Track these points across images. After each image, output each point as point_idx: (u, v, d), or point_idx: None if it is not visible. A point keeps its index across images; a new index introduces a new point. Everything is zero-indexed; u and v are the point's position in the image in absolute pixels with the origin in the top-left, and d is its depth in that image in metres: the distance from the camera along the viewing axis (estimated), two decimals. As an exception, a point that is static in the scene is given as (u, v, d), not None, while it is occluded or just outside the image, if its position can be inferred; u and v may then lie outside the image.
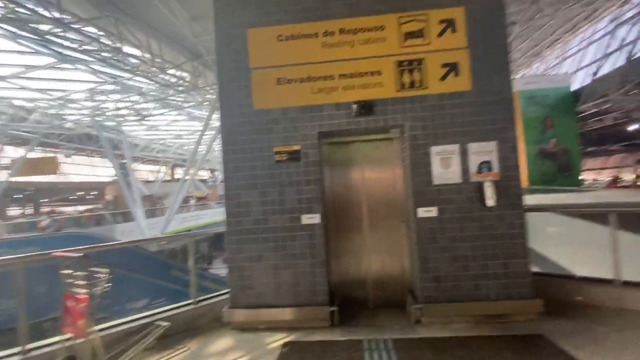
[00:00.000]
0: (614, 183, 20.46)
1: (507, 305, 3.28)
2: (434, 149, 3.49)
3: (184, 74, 15.47)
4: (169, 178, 39.27)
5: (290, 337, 3.26)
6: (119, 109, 18.39)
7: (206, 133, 17.27)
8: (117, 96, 17.83)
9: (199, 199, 36.45)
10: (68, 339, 2.76)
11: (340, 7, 3.63)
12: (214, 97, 15.97)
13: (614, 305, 3.43)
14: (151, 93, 17.60)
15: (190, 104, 19.66)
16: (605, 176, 24.68)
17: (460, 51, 3.49)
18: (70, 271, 2.74)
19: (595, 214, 4.82)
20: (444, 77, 3.51)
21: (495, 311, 3.29)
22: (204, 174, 45.17)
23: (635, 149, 22.59)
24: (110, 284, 2.74)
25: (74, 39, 10.11)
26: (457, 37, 3.50)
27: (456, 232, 3.40)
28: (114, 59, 12.00)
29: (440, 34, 3.52)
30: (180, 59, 13.22)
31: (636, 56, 13.08)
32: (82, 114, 18.84)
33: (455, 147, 3.48)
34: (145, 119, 20.48)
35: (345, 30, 3.61)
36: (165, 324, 3.30)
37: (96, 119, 18.76)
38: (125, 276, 7.72)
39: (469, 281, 3.36)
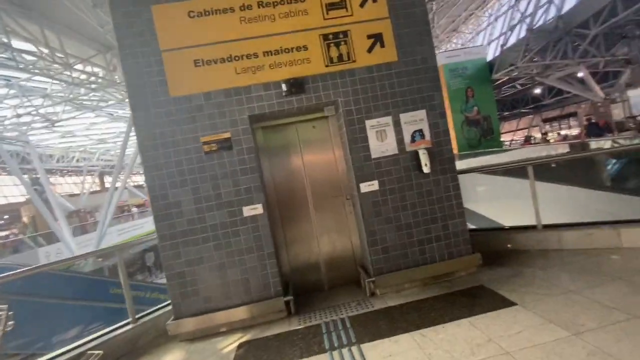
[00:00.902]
0: (528, 141, 23.28)
1: (450, 264, 3.47)
2: (369, 123, 3.46)
3: (96, 69, 13.68)
4: (97, 188, 35.33)
5: (246, 337, 3.08)
6: (19, 115, 15.71)
7: (132, 133, 15.64)
8: (15, 101, 15.22)
9: (137, 206, 33.49)
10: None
11: (255, -22, 3.34)
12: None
13: (538, 247, 3.84)
14: (58, 94, 15.33)
15: (109, 103, 17.59)
16: (520, 136, 27.97)
17: (383, 21, 3.45)
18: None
19: (515, 170, 5.34)
20: (370, 49, 3.46)
21: (441, 271, 3.46)
22: (139, 179, 41.45)
23: (540, 110, 25.86)
24: (12, 322, 2.26)
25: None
26: (379, 7, 3.45)
27: (398, 202, 3.46)
28: (2, 57, 10.10)
29: (362, 4, 3.44)
30: (88, 52, 11.59)
31: (535, 27, 14.68)
32: (-29, 126, 15.77)
33: (388, 119, 3.49)
34: (56, 124, 17.83)
35: (263, 3, 3.34)
36: (98, 352, 2.89)
37: (-9, 129, 15.84)
38: (51, 305, 6.73)
39: (415, 247, 3.47)
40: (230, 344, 3.00)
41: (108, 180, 39.26)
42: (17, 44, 9.55)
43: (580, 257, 3.40)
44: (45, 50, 10.12)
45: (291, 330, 3.03)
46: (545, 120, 27.65)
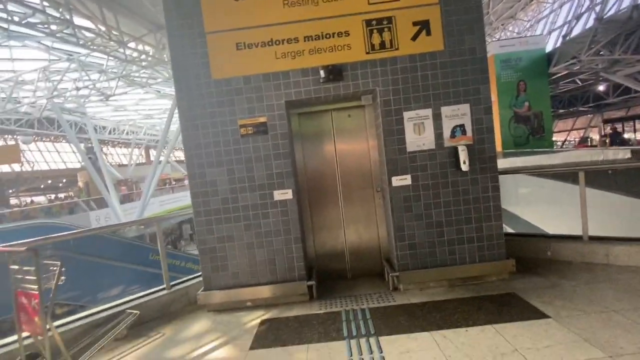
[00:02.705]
0: (583, 143, 21.31)
1: (481, 267, 3.33)
2: (407, 115, 3.34)
3: (147, 48, 14.40)
4: (143, 161, 37.82)
5: (268, 315, 3.21)
6: (78, 89, 17.06)
7: (176, 111, 16.45)
8: (75, 75, 16.51)
9: (177, 180, 35.52)
10: (27, 337, 2.58)
11: (301, -40, 3.28)
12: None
13: (582, 260, 3.56)
14: (113, 70, 16.40)
15: (157, 80, 18.53)
16: (575, 137, 25.69)
17: (431, 7, 3.26)
18: (18, 266, 2.51)
19: (565, 174, 4.92)
20: (415, 37, 3.30)
21: (470, 274, 3.34)
22: (181, 155, 43.74)
23: (602, 109, 23.43)
24: (63, 277, 2.53)
25: (16, 12, 9.05)
26: (428, -8, 3.26)
27: (430, 198, 3.35)
28: (65, 33, 10.91)
29: (410, -12, 3.27)
30: (141, 30, 12.19)
31: (606, 16, 13.14)
32: (38, 96, 17.39)
33: (428, 112, 3.35)
34: (110, 99, 19.17)
35: (308, -14, 3.29)
36: (135, 312, 3.16)
37: (55, 100, 17.36)
38: (98, 264, 7.44)
39: (444, 246, 3.36)
40: (253, 319, 3.15)
41: (153, 153, 41.91)
42: (78, 20, 10.25)
43: (629, 275, 3.11)
44: (103, 28, 10.77)
45: (311, 314, 3.11)
46: (607, 121, 25.02)
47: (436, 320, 2.73)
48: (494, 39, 22.90)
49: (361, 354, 2.39)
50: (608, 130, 15.06)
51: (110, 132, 31.19)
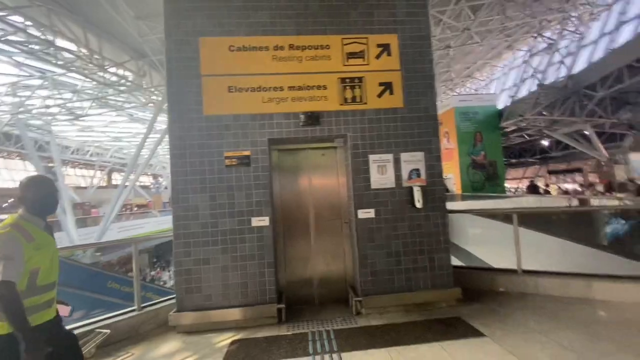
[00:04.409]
0: (533, 190, 23.51)
1: (433, 294, 3.78)
2: (372, 157, 3.91)
3: (127, 73, 14.61)
4: (104, 184, 36.05)
5: (239, 336, 3.38)
6: (48, 107, 16.62)
7: (150, 136, 16.37)
8: (45, 92, 16.14)
9: (139, 206, 33.99)
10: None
11: (290, 24, 3.92)
12: (160, 98, 15.26)
13: (518, 290, 4.12)
14: (87, 91, 16.26)
15: (132, 105, 18.52)
16: (525, 184, 28.22)
17: (394, 72, 3.98)
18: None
19: (508, 216, 5.68)
20: (380, 95, 3.96)
21: (423, 300, 3.76)
22: (146, 180, 42.28)
23: (547, 161, 26.28)
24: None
25: (-4, 28, 9.10)
26: (392, 60, 3.99)
27: (390, 230, 3.84)
28: (44, 52, 10.96)
29: (378, 56, 3.98)
30: (123, 57, 12.50)
31: (545, 83, 15.40)
32: (2, 110, 16.66)
33: (389, 156, 3.93)
34: (79, 119, 18.73)
35: (294, 46, 3.91)
36: (105, 331, 3.21)
37: (19, 116, 16.69)
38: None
39: (402, 274, 3.80)
40: (224, 340, 3.31)
41: (116, 177, 40.11)
42: (60, 42, 10.39)
43: (552, 303, 3.69)
44: (85, 51, 10.96)
45: (280, 335, 3.33)
46: (551, 172, 27.93)
47: (392, 338, 3.08)
48: (454, 94, 25.58)
49: (324, 367, 2.66)
50: (527, 183, 17.62)
51: (73, 152, 29.81)
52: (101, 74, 13.17)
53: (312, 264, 4.23)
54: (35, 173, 2.64)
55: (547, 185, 18.50)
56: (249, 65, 3.85)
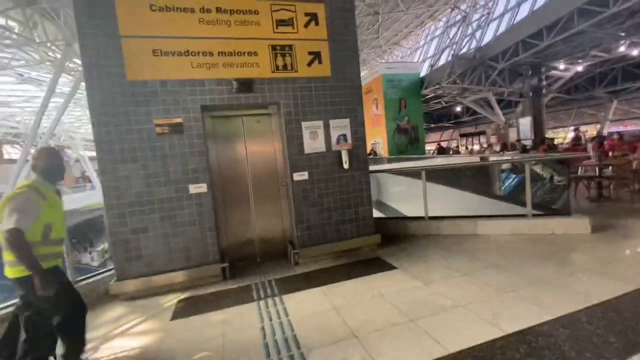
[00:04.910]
0: (445, 151, 26.60)
1: (358, 241, 4.43)
2: (304, 124, 4.21)
3: (11, 23, 12.09)
4: (-7, 160, 30.25)
5: (186, 294, 3.61)
6: None
7: (52, 101, 14.12)
8: None
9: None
10: None
11: (216, -14, 3.81)
12: (59, 56, 13.06)
13: (424, 233, 5.03)
14: (-45, 44, 13.07)
15: (20, 62, 15.52)
16: (443, 146, 31.70)
17: (322, 42, 4.22)
18: None
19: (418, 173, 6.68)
20: (310, 63, 4.20)
21: (350, 247, 4.40)
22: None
23: (460, 125, 29.77)
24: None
25: None
26: (320, 30, 4.20)
27: (322, 190, 4.30)
28: None
29: (306, 25, 4.15)
30: (6, 3, 10.27)
31: (460, 53, 17.05)
32: None
33: (320, 123, 4.28)
34: (-53, 78, 15.07)
35: (222, 9, 3.84)
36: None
37: None
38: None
39: (332, 227, 4.35)
40: (171, 300, 3.51)
41: (7, 151, 33.76)
42: None
43: (449, 240, 4.64)
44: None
45: (226, 289, 3.65)
46: (462, 135, 31.73)
47: (324, 279, 3.64)
48: (383, 61, 26.69)
49: (267, 307, 3.10)
50: (436, 146, 20.68)
51: (-60, 121, 24.08)
52: (-27, 22, 10.71)
53: (253, 225, 4.53)
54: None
55: (457, 147, 21.20)
56: (174, 28, 3.70)
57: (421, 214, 5.24)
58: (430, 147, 28.74)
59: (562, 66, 15.69)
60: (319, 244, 4.28)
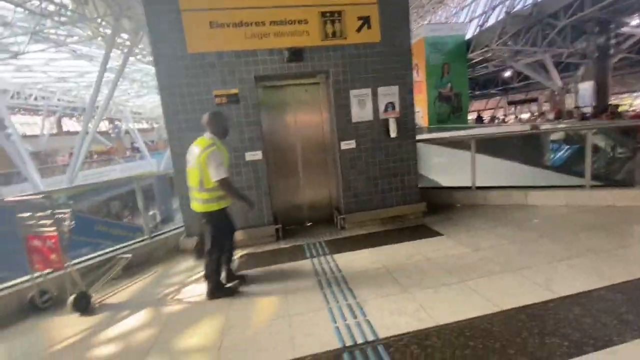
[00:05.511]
0: (492, 121, 25.06)
1: (403, 208, 4.54)
2: (352, 92, 4.25)
3: (65, 1, 12.81)
4: (54, 131, 33.23)
5: (245, 252, 4.00)
6: (-25, 43, 14.46)
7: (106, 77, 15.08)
8: (-32, 26, 13.92)
9: (99, 154, 32.18)
10: (40, 275, 3.00)
11: (267, -48, 3.80)
12: (109, 32, 13.74)
13: (470, 203, 5.00)
14: (20, 24, 14.20)
15: (74, 38, 16.50)
16: (487, 115, 29.84)
17: (371, 6, 4.12)
18: (28, 214, 2.88)
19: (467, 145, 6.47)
20: (359, 29, 4.14)
21: (395, 214, 4.52)
22: (101, 125, 39.31)
23: (508, 92, 27.57)
24: (74, 222, 2.98)
25: None
26: (370, -7, 4.09)
27: (369, 158, 4.39)
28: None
29: (356, -12, 4.05)
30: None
31: (514, 10, 15.47)
32: None
33: (368, 91, 4.29)
34: (17, 57, 16.55)
35: (273, -23, 3.86)
36: (127, 255, 3.68)
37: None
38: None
39: (378, 194, 4.48)
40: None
41: (66, 124, 36.89)
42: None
43: (496, 210, 4.60)
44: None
45: (280, 248, 4.00)
46: (511, 103, 29.45)
47: (371, 242, 3.84)
48: (425, 22, 24.88)
49: (321, 264, 3.38)
50: (476, 115, 19.28)
51: (12, 97, 26.67)
52: (35, 2, 11.51)
53: (302, 192, 4.79)
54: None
55: (505, 116, 19.82)
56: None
57: (465, 184, 5.18)
58: (473, 117, 27.15)
59: (635, 21, 13.74)
60: (364, 210, 4.45)
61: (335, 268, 3.26)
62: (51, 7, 12.42)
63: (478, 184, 5.06)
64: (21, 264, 2.97)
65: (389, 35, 4.22)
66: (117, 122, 38.56)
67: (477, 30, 17.80)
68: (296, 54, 3.99)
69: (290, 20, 3.97)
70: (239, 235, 4.13)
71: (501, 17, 16.29)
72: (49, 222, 2.83)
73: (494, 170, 6.60)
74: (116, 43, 15.05)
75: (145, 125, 44.51)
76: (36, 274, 2.98)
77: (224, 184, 2.75)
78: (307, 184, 4.78)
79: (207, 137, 2.88)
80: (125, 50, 15.32)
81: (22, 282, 3.07)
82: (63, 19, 13.27)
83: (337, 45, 4.12)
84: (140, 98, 34.18)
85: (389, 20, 4.19)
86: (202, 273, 3.12)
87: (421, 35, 16.58)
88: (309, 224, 4.83)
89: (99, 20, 13.43)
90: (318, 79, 4.46)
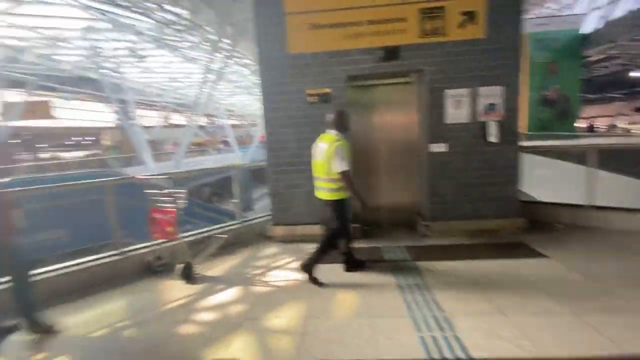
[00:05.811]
0: (611, 129, 21.02)
1: (498, 222, 4.10)
2: (448, 92, 3.99)
3: (182, 11, 14.83)
4: (164, 123, 38.90)
5: (323, 246, 4.10)
6: (116, 49, 17.82)
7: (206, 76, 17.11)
8: (112, 35, 17.16)
9: (197, 145, 36.58)
10: (157, 244, 3.55)
11: (370, -48, 3.81)
12: (216, 37, 15.51)
13: (583, 224, 4.26)
14: (147, 32, 16.95)
15: (185, 44, 19.01)
16: (602, 124, 25.14)
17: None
18: (153, 191, 3.43)
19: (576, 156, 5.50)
20: (461, 25, 3.87)
21: (488, 227, 4.11)
22: (200, 120, 44.56)
23: (634, 97, 22.76)
24: (187, 201, 3.44)
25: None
26: (478, -15, 3.78)
27: (461, 163, 4.08)
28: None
29: (462, -19, 3.79)
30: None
31: (651, -2, 12.69)
32: (78, 55, 18.26)
33: (465, 91, 3.98)
34: (143, 59, 19.88)
35: (373, -24, 3.85)
36: (224, 236, 4.10)
37: (94, 59, 18.21)
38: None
39: (469, 203, 4.13)
40: (312, 247, 4.05)
41: (173, 117, 42.88)
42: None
43: (619, 235, 3.82)
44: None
45: (360, 247, 3.98)
46: (638, 109, 24.27)
47: (459, 254, 3.57)
48: (531, 16, 22.02)
49: (401, 270, 3.26)
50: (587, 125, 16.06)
51: (136, 94, 32.00)
52: (159, 13, 13.59)
53: (383, 193, 4.70)
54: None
55: (630, 124, 16.37)
56: (330, 1, 3.92)
57: (569, 201, 4.42)
58: (582, 124, 23.16)
59: None
60: (452, 219, 4.16)
61: (417, 276, 3.12)
62: (170, 17, 14.57)
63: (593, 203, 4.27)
64: (140, 232, 3.55)
65: (497, 30, 3.84)
66: (213, 118, 43.45)
67: (601, 22, 15.02)
68: (392, 53, 3.92)
69: (387, 19, 3.91)
70: (318, 228, 4.26)
71: (631, 7, 13.49)
72: (169, 199, 3.33)
73: (611, 188, 5.52)
74: (218, 47, 16.95)
75: (235, 122, 49.24)
76: (156, 242, 3.54)
77: (344, 175, 2.95)
78: (389, 185, 4.67)
79: (332, 133, 3.10)
80: (226, 54, 17.12)
81: (142, 247, 3.67)
82: (179, 27, 15.45)
83: (434, 43, 3.92)
84: (234, 97, 37.96)
85: (499, 14, 3.81)
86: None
87: (525, 31, 14.67)
88: (387, 227, 4.72)
89: (206, 27, 15.25)
90: (410, 78, 4.31)
